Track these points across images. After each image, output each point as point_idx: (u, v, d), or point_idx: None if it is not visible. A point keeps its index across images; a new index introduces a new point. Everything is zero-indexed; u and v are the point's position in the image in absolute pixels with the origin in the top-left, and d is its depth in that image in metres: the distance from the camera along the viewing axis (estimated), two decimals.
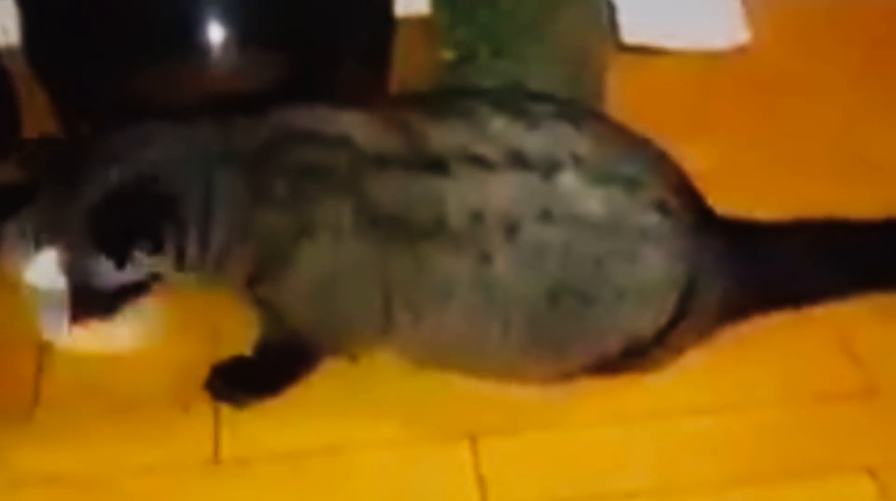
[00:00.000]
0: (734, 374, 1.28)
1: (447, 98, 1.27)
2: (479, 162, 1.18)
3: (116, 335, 1.34)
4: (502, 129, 1.19)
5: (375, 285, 1.21)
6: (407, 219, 1.18)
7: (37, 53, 1.49)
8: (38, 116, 1.53)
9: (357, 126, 1.21)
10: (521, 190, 1.18)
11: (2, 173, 1.50)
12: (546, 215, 1.18)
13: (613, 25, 1.67)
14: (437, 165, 1.18)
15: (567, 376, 1.25)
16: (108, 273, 1.21)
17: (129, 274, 1.21)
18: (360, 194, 1.19)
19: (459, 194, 1.18)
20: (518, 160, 1.18)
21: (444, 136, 1.19)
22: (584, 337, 1.22)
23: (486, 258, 1.18)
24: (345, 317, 1.24)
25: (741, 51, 1.73)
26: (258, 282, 1.23)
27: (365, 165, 1.19)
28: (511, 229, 1.18)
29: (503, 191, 1.18)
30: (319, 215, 1.20)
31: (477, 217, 1.18)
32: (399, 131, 1.20)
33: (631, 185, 1.20)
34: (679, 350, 1.26)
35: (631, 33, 1.72)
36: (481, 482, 1.20)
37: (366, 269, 1.20)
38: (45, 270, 1.36)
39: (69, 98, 1.49)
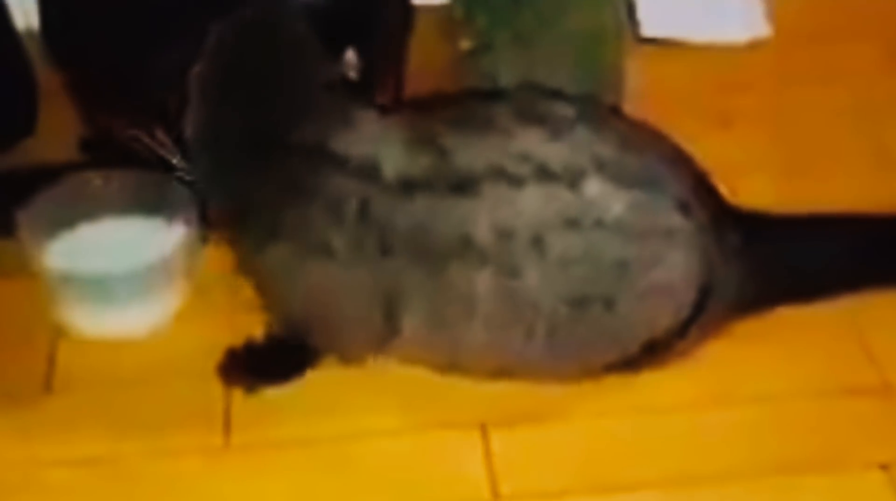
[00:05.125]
0: (748, 367, 1.28)
1: (470, 106, 1.24)
2: (508, 179, 1.16)
3: (130, 320, 1.34)
4: (527, 141, 1.17)
5: (374, 300, 1.20)
6: (427, 239, 1.17)
7: (55, 38, 1.49)
8: (56, 101, 1.53)
9: (387, 145, 1.19)
10: (549, 203, 1.16)
11: (20, 157, 1.52)
12: (573, 224, 1.17)
13: (632, 18, 1.66)
14: (465, 186, 1.17)
15: (588, 375, 1.24)
16: None
17: None
18: (373, 223, 1.18)
19: (488, 213, 1.16)
20: (544, 173, 1.16)
21: (471, 153, 1.17)
22: (606, 339, 1.22)
23: (513, 272, 1.17)
24: (338, 323, 1.24)
25: (761, 45, 1.72)
26: (270, 241, 1.22)
27: (387, 195, 1.18)
28: (539, 242, 1.17)
29: (532, 206, 1.16)
30: (315, 238, 1.19)
31: (505, 234, 1.17)
32: (428, 149, 1.18)
33: (653, 186, 1.19)
34: (696, 343, 1.26)
35: (650, 26, 1.71)
36: (492, 472, 1.19)
37: (371, 284, 1.19)
38: (60, 253, 1.37)
39: (87, 82, 1.49)
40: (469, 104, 1.25)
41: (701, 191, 1.23)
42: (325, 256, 1.19)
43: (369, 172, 1.18)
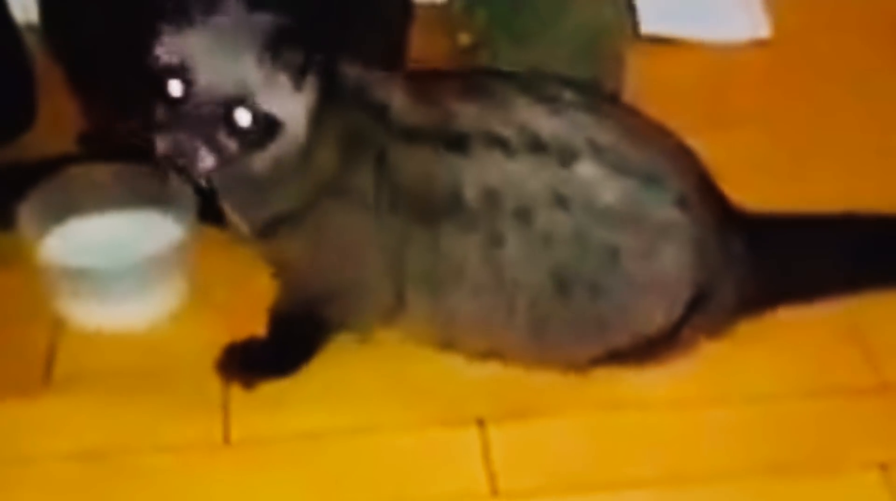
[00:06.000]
0: (746, 367, 1.28)
1: (477, 77, 1.27)
2: (499, 144, 1.18)
3: (130, 314, 1.34)
4: (525, 112, 1.19)
5: (390, 262, 1.21)
6: (426, 195, 1.19)
7: (55, 31, 1.49)
8: (55, 94, 1.53)
9: (396, 95, 1.21)
10: (537, 175, 1.18)
11: (19, 151, 1.51)
12: (561, 202, 1.18)
13: (632, 15, 1.66)
14: (459, 143, 1.18)
15: (574, 366, 1.25)
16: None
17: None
18: (386, 166, 1.19)
19: (476, 174, 1.18)
20: (536, 145, 1.18)
21: (469, 115, 1.19)
22: (593, 328, 1.22)
23: (497, 240, 1.18)
24: (357, 288, 1.24)
25: (761, 43, 1.72)
26: (281, 228, 1.22)
27: (394, 138, 1.20)
28: (524, 213, 1.18)
29: (519, 174, 1.18)
30: (351, 180, 1.20)
31: (491, 198, 1.18)
32: (430, 106, 1.20)
33: (651, 179, 1.20)
34: (691, 344, 1.26)
35: (650, 23, 1.71)
36: (490, 466, 1.20)
37: (382, 245, 1.21)
38: (60, 247, 1.37)
39: (86, 75, 1.49)
40: (475, 76, 1.28)
41: (703, 190, 1.23)
42: (361, 207, 1.20)
43: (381, 110, 1.20)
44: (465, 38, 1.50)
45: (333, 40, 1.19)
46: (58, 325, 1.35)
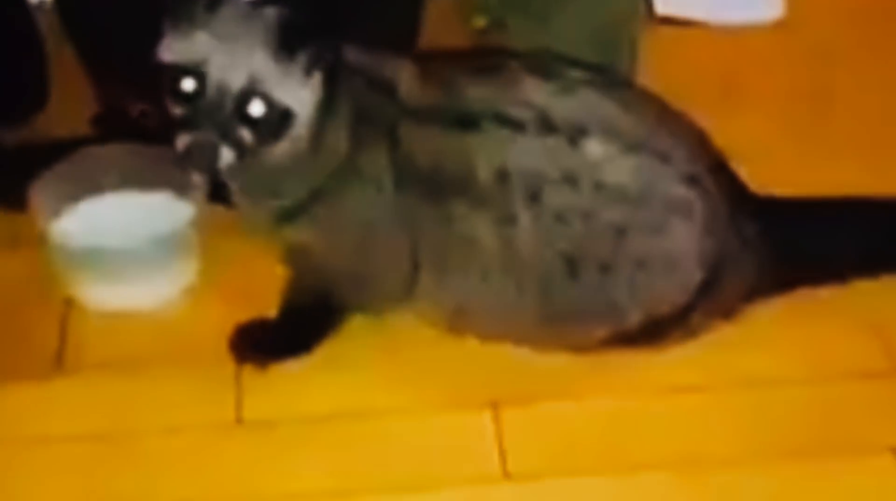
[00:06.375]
0: (760, 350, 1.27)
1: (487, 57, 1.27)
2: (509, 122, 1.18)
3: (142, 294, 1.34)
4: (534, 91, 1.19)
5: (405, 243, 1.21)
6: (437, 173, 1.19)
7: (69, 12, 1.49)
8: (67, 75, 1.53)
9: (403, 75, 1.21)
10: (547, 153, 1.18)
11: (32, 132, 1.52)
12: (570, 180, 1.18)
13: None
14: (469, 122, 1.19)
15: (585, 348, 1.25)
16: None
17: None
18: (396, 145, 1.19)
19: (487, 152, 1.18)
20: (545, 124, 1.18)
21: (479, 93, 1.19)
22: (604, 308, 1.22)
23: (508, 219, 1.18)
24: (373, 270, 1.24)
25: (776, 25, 1.71)
26: (297, 215, 1.22)
27: (404, 116, 1.20)
28: (534, 192, 1.18)
29: (529, 152, 1.18)
30: (363, 160, 1.20)
31: (503, 176, 1.18)
32: (439, 86, 1.20)
33: (660, 156, 1.20)
34: (703, 327, 1.26)
35: (665, 4, 1.71)
36: (502, 449, 1.20)
37: (398, 224, 1.21)
38: (72, 227, 1.37)
39: (99, 56, 1.48)
40: (485, 56, 1.28)
41: (715, 171, 1.23)
42: (374, 187, 1.20)
43: (389, 89, 1.20)
44: (479, 21, 1.49)
45: (344, 26, 1.19)
46: (70, 305, 1.35)
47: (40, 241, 1.35)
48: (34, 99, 1.53)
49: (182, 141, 1.15)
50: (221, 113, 1.14)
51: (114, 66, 1.47)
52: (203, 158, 1.15)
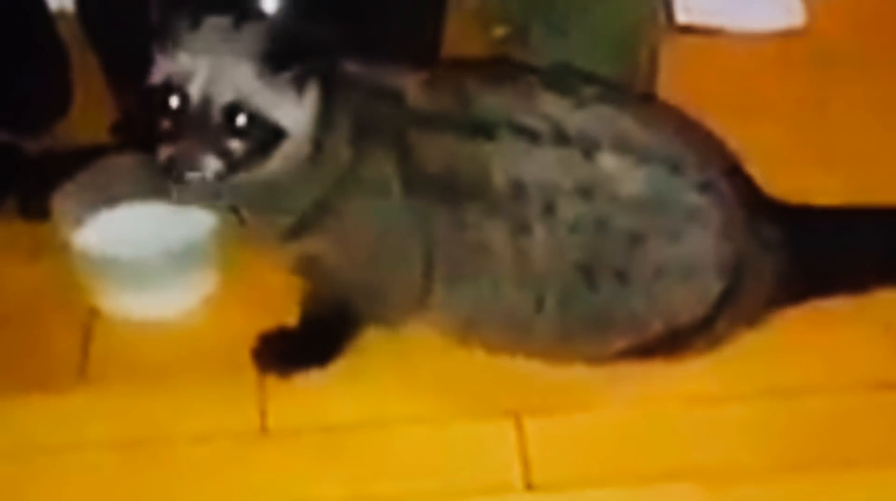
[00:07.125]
0: (781, 361, 1.27)
1: (502, 68, 1.28)
2: (525, 133, 1.18)
3: (165, 303, 1.35)
4: (550, 104, 1.19)
5: (418, 252, 1.21)
6: (451, 181, 1.19)
7: (91, 19, 1.50)
8: (89, 83, 1.53)
9: (411, 84, 1.21)
10: (562, 165, 1.18)
11: (54, 140, 1.52)
12: (585, 192, 1.18)
13: (667, 5, 1.65)
14: (484, 130, 1.19)
15: (601, 360, 1.24)
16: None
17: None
18: (406, 153, 1.19)
19: (503, 162, 1.18)
20: (560, 135, 1.18)
21: (493, 103, 1.20)
22: (622, 318, 1.22)
23: (523, 229, 1.19)
24: (386, 278, 1.24)
25: (796, 33, 1.71)
26: (305, 229, 1.22)
27: (413, 124, 1.20)
28: (549, 202, 1.18)
29: (544, 164, 1.18)
30: (367, 170, 1.20)
31: (518, 187, 1.18)
32: (451, 94, 1.21)
33: (675, 166, 1.20)
34: (729, 336, 1.25)
35: (684, 13, 1.71)
36: (525, 460, 1.20)
37: (410, 232, 1.21)
38: (94, 236, 1.37)
39: (122, 64, 1.49)
40: (499, 66, 1.28)
41: (734, 179, 1.23)
42: (381, 195, 1.20)
43: (394, 97, 1.20)
44: (500, 30, 1.49)
45: (366, 39, 1.19)
46: (92, 314, 1.35)
47: (62, 251, 1.35)
48: (56, 107, 1.53)
49: (164, 152, 1.15)
50: (207, 124, 1.14)
51: (136, 74, 1.47)
52: (182, 168, 1.15)
